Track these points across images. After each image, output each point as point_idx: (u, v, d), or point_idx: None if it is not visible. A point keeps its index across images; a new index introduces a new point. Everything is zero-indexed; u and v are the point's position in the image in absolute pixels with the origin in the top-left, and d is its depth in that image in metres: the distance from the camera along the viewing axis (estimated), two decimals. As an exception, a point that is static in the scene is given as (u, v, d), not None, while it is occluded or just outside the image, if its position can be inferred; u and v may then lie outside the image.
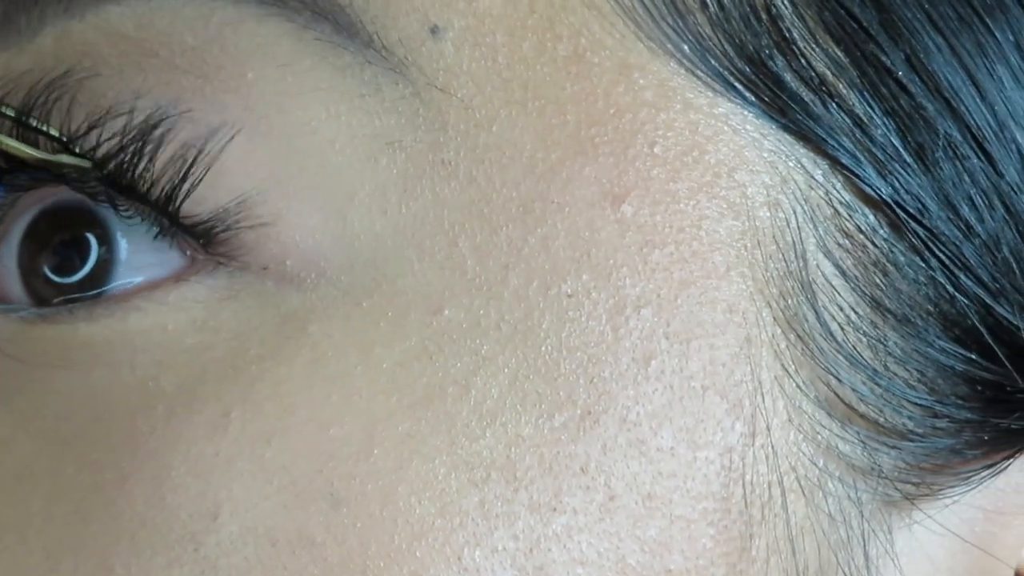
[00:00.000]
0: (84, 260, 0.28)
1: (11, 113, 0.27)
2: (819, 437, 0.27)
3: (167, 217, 0.27)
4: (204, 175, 0.26)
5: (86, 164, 0.27)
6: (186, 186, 0.26)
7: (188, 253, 0.27)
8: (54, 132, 0.27)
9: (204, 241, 0.27)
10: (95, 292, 0.27)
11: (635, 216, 0.27)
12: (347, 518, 0.25)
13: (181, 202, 0.26)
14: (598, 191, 0.27)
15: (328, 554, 0.25)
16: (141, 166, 0.26)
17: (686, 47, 0.27)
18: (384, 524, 0.25)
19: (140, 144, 0.26)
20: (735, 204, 0.27)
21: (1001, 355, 0.28)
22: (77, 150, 0.27)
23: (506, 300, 0.26)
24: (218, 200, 0.26)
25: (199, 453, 0.26)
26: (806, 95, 0.28)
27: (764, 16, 0.28)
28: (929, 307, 0.28)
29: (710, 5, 0.28)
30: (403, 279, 0.26)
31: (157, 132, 0.26)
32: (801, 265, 0.27)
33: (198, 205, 0.26)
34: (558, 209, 0.27)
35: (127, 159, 0.26)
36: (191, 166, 0.26)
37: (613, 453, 0.26)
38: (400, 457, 0.25)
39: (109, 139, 0.26)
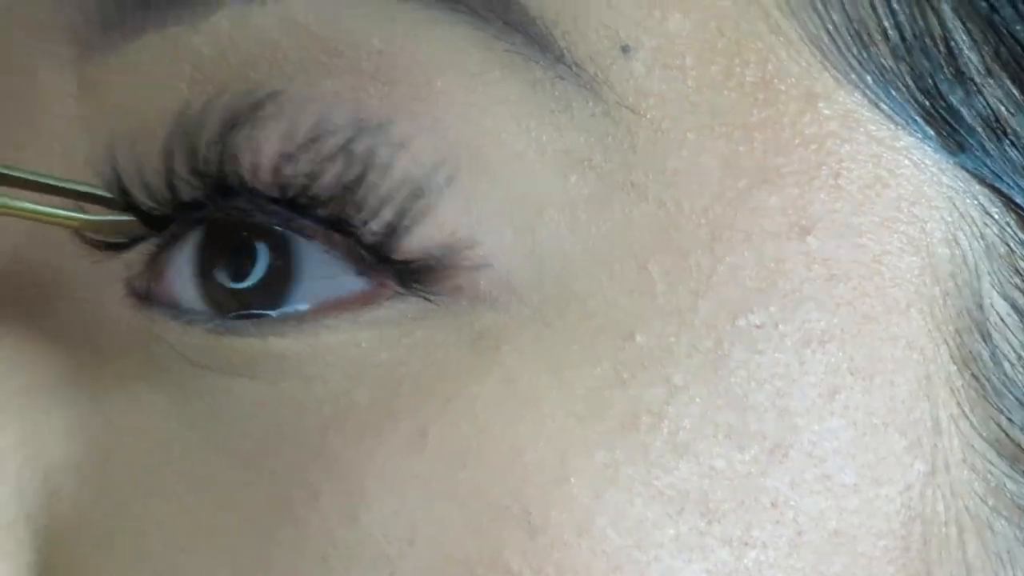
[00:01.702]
0: (256, 264, 0.27)
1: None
2: (990, 476, 0.27)
3: (376, 257, 0.26)
4: (423, 217, 0.26)
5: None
6: (407, 222, 0.26)
7: (381, 282, 0.26)
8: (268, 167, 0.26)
9: (405, 278, 0.26)
10: (279, 311, 0.26)
11: (820, 248, 0.26)
12: (544, 547, 0.25)
13: (396, 244, 0.26)
14: (784, 221, 0.26)
15: None
16: (364, 195, 0.26)
17: (869, 78, 0.27)
18: (581, 554, 0.25)
19: (366, 173, 0.26)
20: (915, 240, 0.27)
21: None
22: (294, 170, 0.26)
23: (696, 328, 0.26)
24: (426, 239, 0.26)
25: (395, 471, 0.25)
26: (983, 131, 0.28)
27: (943, 49, 0.28)
28: None
29: (891, 36, 0.27)
30: (593, 300, 0.26)
31: (382, 159, 0.26)
32: (976, 303, 0.27)
33: (410, 245, 0.26)
34: (745, 238, 0.26)
35: (351, 188, 0.26)
36: (417, 200, 0.26)
37: (800, 488, 0.26)
38: (596, 486, 0.25)
39: (322, 171, 0.26)
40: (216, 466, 0.26)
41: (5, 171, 0.27)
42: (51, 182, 0.27)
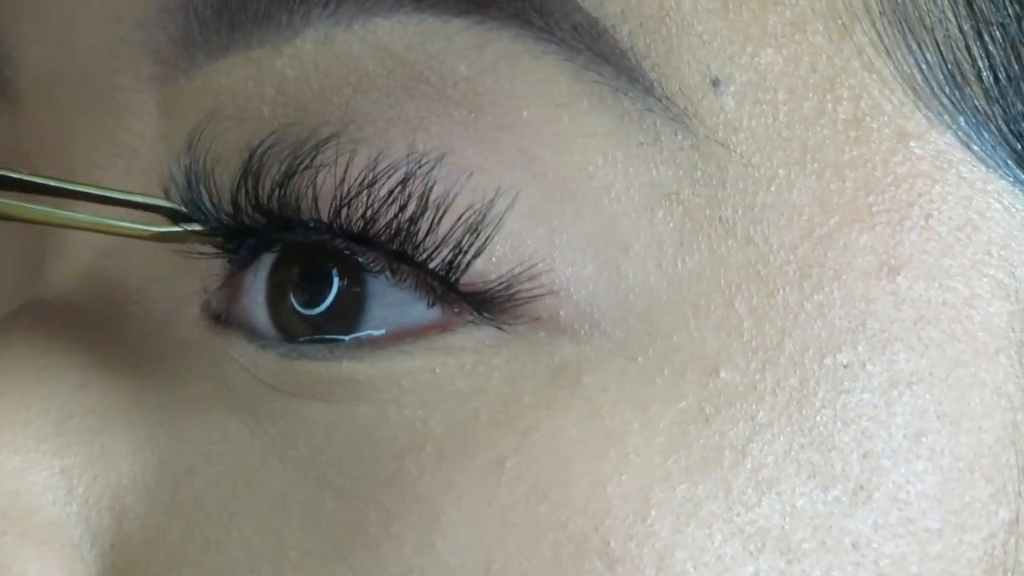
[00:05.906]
0: (329, 290, 0.27)
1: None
2: None
3: (446, 286, 0.26)
4: (488, 243, 0.25)
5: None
6: (469, 256, 0.25)
7: (456, 310, 0.26)
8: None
9: (479, 306, 0.26)
10: (352, 336, 0.26)
11: (910, 289, 0.26)
12: None
13: (462, 272, 0.25)
14: (874, 261, 0.26)
15: None
16: (421, 236, 0.25)
17: (962, 120, 0.27)
18: None
19: (421, 214, 0.25)
20: (1004, 285, 0.27)
21: None
22: (349, 214, 0.26)
23: (782, 366, 0.26)
24: (501, 267, 0.25)
25: (472, 500, 0.25)
26: None
27: None
28: None
29: (985, 79, 0.27)
30: (678, 336, 0.26)
31: (439, 196, 0.25)
32: None
33: (478, 273, 0.26)
34: (835, 276, 0.26)
35: (407, 230, 0.25)
36: (476, 234, 0.25)
37: (884, 531, 0.25)
38: (677, 521, 0.25)
39: (377, 215, 0.25)
40: (291, 487, 0.26)
41: (77, 188, 0.27)
42: (123, 196, 0.27)
